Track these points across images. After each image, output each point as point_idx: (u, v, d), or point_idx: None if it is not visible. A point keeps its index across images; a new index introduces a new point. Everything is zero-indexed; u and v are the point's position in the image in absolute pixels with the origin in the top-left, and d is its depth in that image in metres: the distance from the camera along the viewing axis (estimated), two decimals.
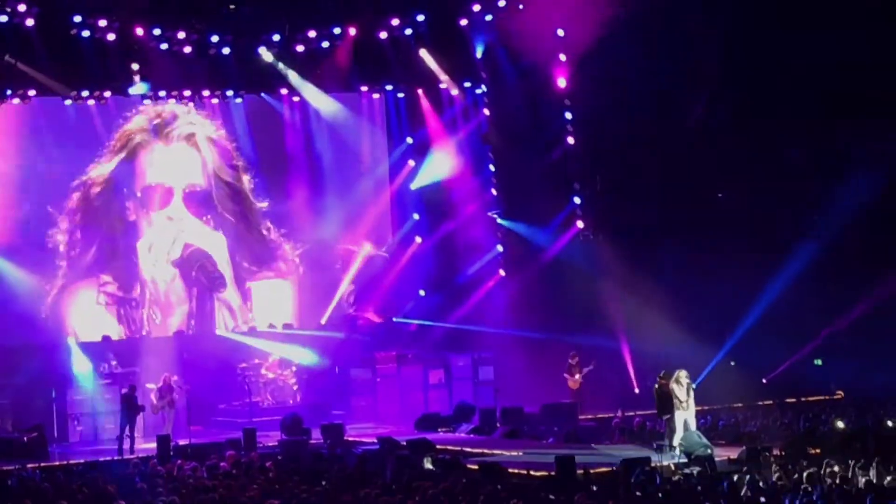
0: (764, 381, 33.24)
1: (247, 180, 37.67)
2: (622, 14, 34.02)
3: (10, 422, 31.79)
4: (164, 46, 34.39)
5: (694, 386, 27.26)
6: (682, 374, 27.14)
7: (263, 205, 37.73)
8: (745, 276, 34.45)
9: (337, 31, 35.59)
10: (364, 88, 38.06)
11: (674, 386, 27.18)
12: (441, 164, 38.50)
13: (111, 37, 33.43)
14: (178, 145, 36.85)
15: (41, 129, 35.11)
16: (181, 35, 34.27)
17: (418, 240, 38.78)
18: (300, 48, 35.83)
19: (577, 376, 33.88)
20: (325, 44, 35.96)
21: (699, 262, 34.73)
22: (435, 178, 38.38)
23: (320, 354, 36.22)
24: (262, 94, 37.22)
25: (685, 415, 26.85)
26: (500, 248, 38.25)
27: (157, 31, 33.96)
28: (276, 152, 38.02)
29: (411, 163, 38.74)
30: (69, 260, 35.59)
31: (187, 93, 36.18)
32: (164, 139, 36.51)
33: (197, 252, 37.05)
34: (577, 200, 36.84)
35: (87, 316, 35.85)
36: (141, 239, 36.49)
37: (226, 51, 35.08)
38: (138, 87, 34.94)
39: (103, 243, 36.03)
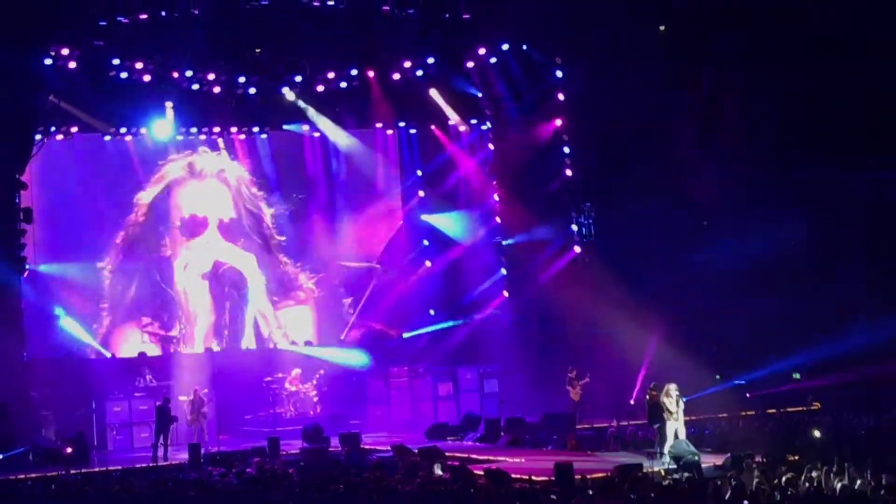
0: (748, 395, 32.87)
1: (269, 214, 37.84)
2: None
3: (53, 431, 31.68)
4: (195, 87, 34.43)
5: (684, 399, 27.05)
6: (672, 388, 26.97)
7: (282, 238, 37.86)
8: (729, 294, 34.42)
9: (354, 72, 35.47)
10: (378, 125, 38.09)
11: (664, 399, 27.01)
12: (450, 196, 38.76)
13: (146, 78, 33.45)
14: (210, 181, 37.11)
15: (83, 164, 35.36)
16: (211, 76, 34.38)
17: (428, 263, 38.79)
18: (320, 88, 35.74)
19: (577, 388, 33.74)
20: (343, 84, 35.83)
21: (688, 284, 34.59)
22: (445, 210, 38.60)
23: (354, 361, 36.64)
24: (285, 127, 37.16)
25: (675, 425, 26.67)
26: (503, 271, 38.12)
27: (188, 73, 33.89)
28: (297, 184, 38.22)
29: (421, 193, 38.81)
30: (112, 299, 35.92)
31: (217, 129, 36.41)
32: (197, 177, 36.82)
33: (229, 269, 37.30)
34: (574, 227, 36.59)
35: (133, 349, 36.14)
36: (177, 259, 36.74)
37: (252, 91, 35.15)
38: (169, 126, 34.94)
39: (143, 280, 36.36)
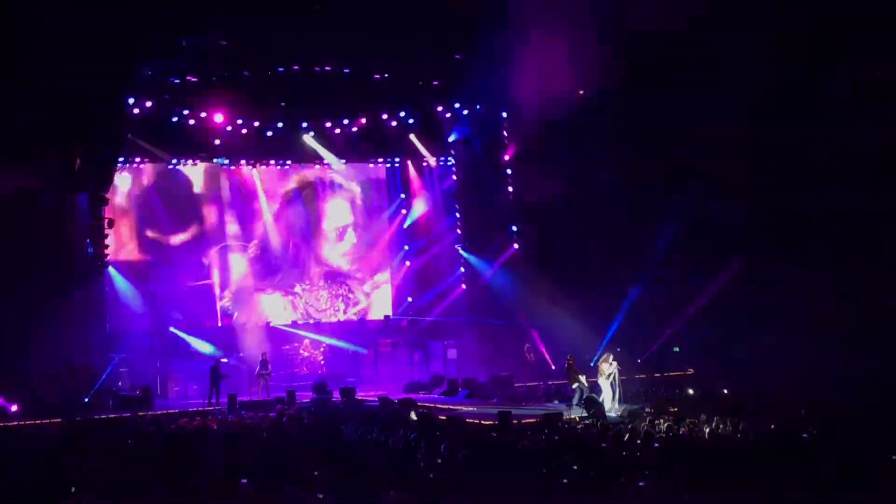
0: (639, 360, 32.51)
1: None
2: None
3: (129, 384, 31.67)
4: (234, 129, 34.07)
5: (619, 367, 26.47)
6: (610, 357, 26.54)
7: None
8: (620, 285, 33.72)
9: (346, 121, 35.29)
10: (371, 162, 38.23)
11: (602, 364, 26.50)
12: (422, 210, 38.64)
13: (201, 118, 33.18)
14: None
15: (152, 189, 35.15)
16: (251, 122, 34.19)
17: (408, 263, 38.70)
18: (328, 131, 35.53)
19: (530, 356, 33.56)
20: (344, 129, 35.63)
21: (594, 276, 34.30)
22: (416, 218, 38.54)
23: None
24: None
25: (606, 383, 26.22)
26: (462, 269, 38.03)
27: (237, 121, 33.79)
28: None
29: (403, 211, 38.67)
30: None
31: (252, 162, 36.20)
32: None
33: None
34: (514, 228, 36.43)
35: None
36: None
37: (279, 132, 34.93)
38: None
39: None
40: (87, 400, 28.61)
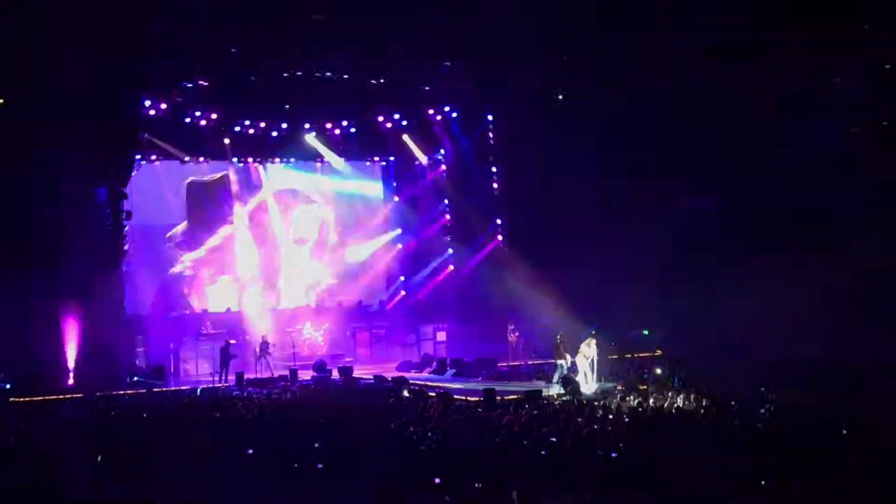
0: (612, 343, 31.42)
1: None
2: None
3: (145, 362, 32.06)
4: (242, 130, 34.69)
5: (598, 351, 26.56)
6: (592, 341, 26.58)
7: None
8: (604, 274, 33.55)
9: (345, 123, 35.82)
10: (367, 159, 38.60)
11: (584, 346, 26.49)
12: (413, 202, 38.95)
13: (212, 120, 33.69)
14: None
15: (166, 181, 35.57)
16: (258, 123, 34.75)
17: (399, 246, 38.90)
18: (329, 131, 36.01)
19: (513, 337, 33.42)
20: (344, 130, 36.19)
21: (578, 265, 33.54)
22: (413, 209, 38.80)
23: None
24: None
25: (585, 363, 26.35)
26: (450, 250, 38.13)
27: (245, 122, 34.42)
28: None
29: (396, 198, 39.00)
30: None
31: (259, 160, 36.62)
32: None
33: None
34: (498, 221, 36.62)
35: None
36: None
37: (283, 132, 35.40)
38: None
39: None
40: (130, 380, 29.38)
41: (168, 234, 35.47)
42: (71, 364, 28.70)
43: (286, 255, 37.40)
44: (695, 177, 32.78)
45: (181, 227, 35.86)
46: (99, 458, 15.47)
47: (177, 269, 35.57)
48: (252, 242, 36.56)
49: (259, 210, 36.89)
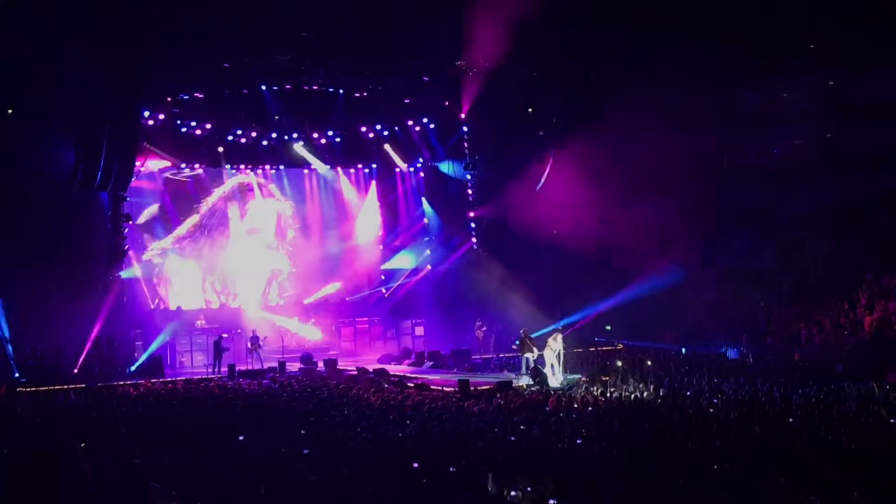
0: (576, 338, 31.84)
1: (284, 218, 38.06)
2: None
3: (144, 355, 31.39)
4: (235, 139, 34.53)
5: (564, 345, 26.20)
6: (558, 336, 26.27)
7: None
8: (565, 279, 34.10)
9: (330, 133, 35.71)
10: (352, 167, 38.46)
11: (550, 341, 26.06)
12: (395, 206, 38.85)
13: (207, 129, 33.51)
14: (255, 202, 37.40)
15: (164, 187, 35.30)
16: (249, 133, 34.60)
17: (380, 247, 38.92)
18: (315, 140, 35.84)
19: (480, 332, 33.54)
20: (329, 139, 36.05)
21: (542, 269, 34.33)
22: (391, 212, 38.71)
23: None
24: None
25: (553, 356, 25.92)
26: (428, 251, 38.15)
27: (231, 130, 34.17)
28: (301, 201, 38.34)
29: (377, 202, 38.91)
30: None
31: (251, 167, 36.51)
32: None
33: None
34: (472, 225, 36.39)
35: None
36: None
37: (273, 141, 35.38)
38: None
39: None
40: (131, 370, 29.15)
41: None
42: (77, 356, 28.46)
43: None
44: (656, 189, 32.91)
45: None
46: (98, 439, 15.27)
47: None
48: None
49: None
